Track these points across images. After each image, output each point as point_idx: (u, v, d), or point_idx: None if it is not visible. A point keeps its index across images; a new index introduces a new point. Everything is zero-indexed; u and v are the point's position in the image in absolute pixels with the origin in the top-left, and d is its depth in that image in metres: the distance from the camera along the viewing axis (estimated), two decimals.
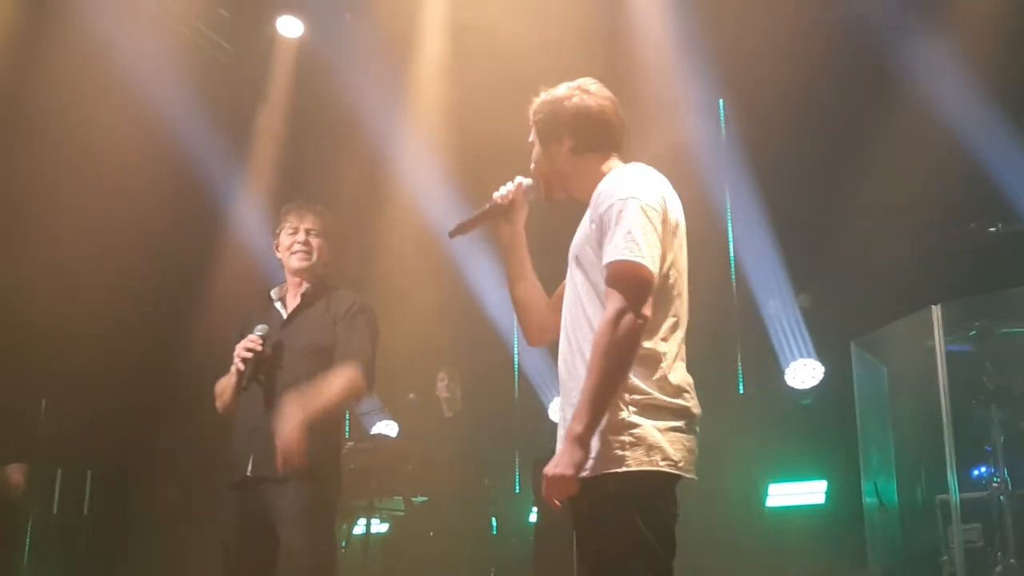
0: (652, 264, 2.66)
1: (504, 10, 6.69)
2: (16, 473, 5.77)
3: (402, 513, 7.33)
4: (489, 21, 6.79)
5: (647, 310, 2.65)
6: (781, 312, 7.43)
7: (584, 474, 2.63)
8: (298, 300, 3.96)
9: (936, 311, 5.82)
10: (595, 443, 2.65)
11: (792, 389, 7.36)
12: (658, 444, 2.65)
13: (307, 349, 3.83)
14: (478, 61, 7.13)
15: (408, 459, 7.15)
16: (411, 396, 7.77)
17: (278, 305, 3.99)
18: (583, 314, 2.79)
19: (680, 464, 2.68)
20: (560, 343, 2.90)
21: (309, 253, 3.95)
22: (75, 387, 7.09)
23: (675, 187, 2.87)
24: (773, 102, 6.72)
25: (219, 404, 3.91)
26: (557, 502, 2.64)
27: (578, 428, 2.61)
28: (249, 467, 3.69)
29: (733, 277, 7.63)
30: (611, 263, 2.68)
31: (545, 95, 2.99)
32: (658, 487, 2.66)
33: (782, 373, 7.39)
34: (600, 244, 2.74)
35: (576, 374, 2.78)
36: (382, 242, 8.13)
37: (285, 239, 3.98)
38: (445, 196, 7.78)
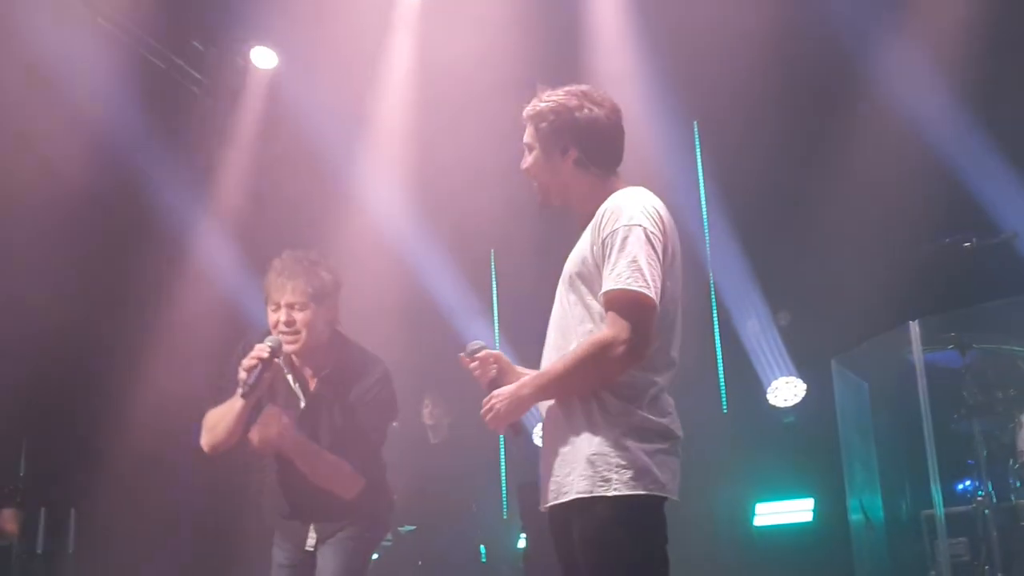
0: (655, 294, 2.65)
1: (467, 50, 6.70)
2: (9, 521, 5.71)
3: (390, 543, 7.30)
4: (454, 60, 6.84)
5: (647, 341, 2.64)
6: (760, 331, 7.48)
7: (576, 496, 2.66)
8: (313, 385, 3.67)
9: (914, 326, 5.86)
10: (585, 466, 2.66)
11: (775, 408, 7.38)
12: (647, 467, 2.65)
13: (329, 443, 3.60)
14: (443, 91, 7.20)
15: (393, 490, 7.11)
16: (393, 425, 7.73)
17: (295, 385, 3.69)
18: (573, 335, 2.77)
19: (667, 487, 2.69)
20: (543, 362, 2.89)
21: (297, 334, 3.56)
22: (55, 425, 7.06)
23: None
24: (746, 121, 6.77)
25: (208, 440, 3.55)
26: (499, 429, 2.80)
27: (525, 390, 2.74)
28: (309, 540, 3.66)
29: (713, 298, 7.67)
30: (614, 291, 2.66)
31: (550, 100, 2.90)
32: (648, 510, 2.67)
33: (764, 392, 7.42)
34: (598, 267, 2.72)
35: (557, 404, 2.80)
36: (353, 272, 8.12)
37: (271, 316, 3.59)
38: (412, 222, 7.81)
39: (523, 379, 2.81)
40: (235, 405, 3.47)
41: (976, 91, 6.28)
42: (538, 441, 7.84)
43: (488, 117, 6.27)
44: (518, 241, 7.53)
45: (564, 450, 2.74)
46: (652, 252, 2.68)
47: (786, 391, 7.39)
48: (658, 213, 2.77)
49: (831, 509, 6.79)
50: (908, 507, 6.43)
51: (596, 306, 2.73)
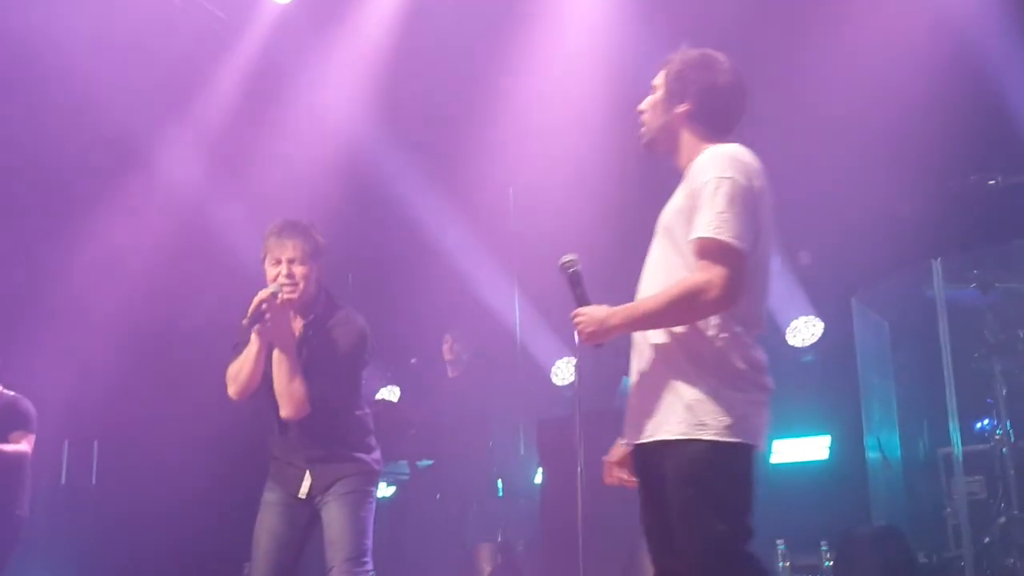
0: (743, 245, 2.74)
1: None
2: (25, 441, 5.84)
3: (407, 477, 7.37)
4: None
5: (737, 289, 2.74)
6: (779, 270, 7.41)
7: (672, 437, 2.78)
8: (299, 331, 4.07)
9: (936, 264, 5.82)
10: (684, 410, 2.78)
11: (794, 347, 7.35)
12: (743, 416, 2.77)
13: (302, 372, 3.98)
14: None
15: (411, 423, 7.19)
16: (413, 361, 7.79)
17: None
18: (667, 282, 2.85)
19: (759, 437, 2.82)
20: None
21: (296, 285, 4.00)
22: (80, 360, 7.13)
23: None
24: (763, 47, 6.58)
25: (234, 388, 3.98)
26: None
27: (615, 320, 2.86)
28: (305, 488, 4.00)
29: None
30: (704, 239, 2.75)
31: (687, 53, 3.05)
32: (739, 457, 2.79)
33: (782, 331, 7.39)
34: (690, 218, 2.82)
35: (653, 337, 2.90)
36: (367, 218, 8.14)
37: (270, 270, 4.03)
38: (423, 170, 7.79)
39: (614, 309, 2.89)
40: (251, 349, 3.93)
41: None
42: (556, 381, 7.93)
43: None
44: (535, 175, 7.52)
45: (661, 393, 2.84)
46: (742, 204, 2.77)
47: (804, 330, 7.35)
48: (750, 168, 2.85)
49: (848, 447, 6.79)
50: (925, 445, 6.43)
51: (689, 258, 2.82)
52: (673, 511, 2.78)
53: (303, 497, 4.00)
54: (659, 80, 3.07)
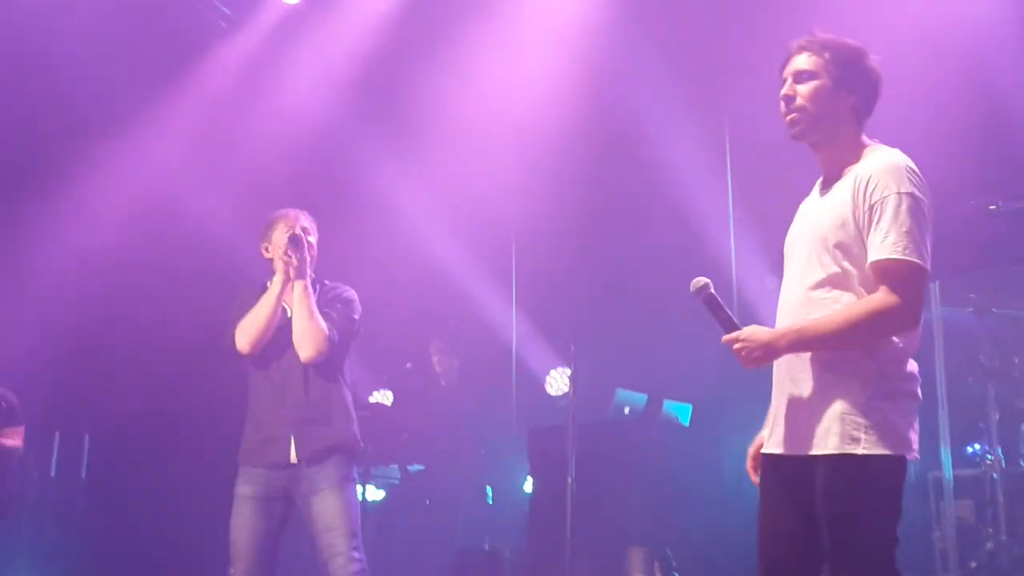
0: (928, 265, 2.71)
1: None
2: (15, 436, 5.83)
3: (398, 482, 7.36)
4: None
5: (920, 309, 2.72)
6: (774, 287, 7.38)
7: (823, 452, 2.73)
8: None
9: (934, 287, 5.82)
10: (837, 423, 2.72)
11: None
12: (895, 429, 2.73)
13: None
14: None
15: (403, 428, 7.19)
16: (408, 365, 7.79)
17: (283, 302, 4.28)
18: (827, 298, 2.78)
19: (912, 448, 2.77)
20: (783, 312, 2.92)
21: (311, 246, 4.27)
22: (73, 351, 7.12)
23: None
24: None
25: (246, 339, 4.14)
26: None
27: (782, 343, 2.75)
28: (292, 452, 4.10)
29: (733, 248, 7.58)
30: (890, 260, 2.68)
31: (832, 37, 2.88)
32: (891, 470, 2.74)
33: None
34: (861, 232, 2.74)
35: (811, 358, 2.80)
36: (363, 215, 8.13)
37: (282, 238, 4.25)
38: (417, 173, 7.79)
39: (780, 331, 2.80)
40: (272, 292, 4.17)
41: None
42: (551, 391, 7.92)
43: None
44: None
45: (814, 404, 2.78)
46: (923, 220, 2.72)
47: None
48: (920, 178, 2.79)
49: None
50: (916, 467, 6.42)
51: (854, 271, 2.76)
52: (825, 524, 2.75)
53: (294, 462, 4.09)
54: (810, 64, 2.86)
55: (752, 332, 2.79)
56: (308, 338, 4.11)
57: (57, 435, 7.50)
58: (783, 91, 2.90)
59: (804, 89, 2.86)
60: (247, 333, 4.14)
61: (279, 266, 4.19)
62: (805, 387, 2.80)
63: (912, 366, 2.81)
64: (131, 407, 7.22)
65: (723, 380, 6.88)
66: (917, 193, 2.72)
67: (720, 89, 6.88)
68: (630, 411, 6.43)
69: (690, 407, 6.56)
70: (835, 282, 2.77)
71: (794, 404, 2.83)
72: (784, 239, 3.03)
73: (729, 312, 2.85)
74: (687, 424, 6.53)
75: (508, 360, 8.26)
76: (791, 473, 2.84)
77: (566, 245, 7.85)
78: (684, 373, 6.90)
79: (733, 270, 7.32)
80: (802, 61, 2.87)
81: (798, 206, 3.07)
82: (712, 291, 2.84)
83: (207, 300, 6.79)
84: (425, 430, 7.26)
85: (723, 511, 6.62)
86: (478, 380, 7.65)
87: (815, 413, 2.76)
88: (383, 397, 8.11)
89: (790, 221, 3.05)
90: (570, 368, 5.51)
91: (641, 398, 6.49)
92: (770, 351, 2.78)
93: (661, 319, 6.98)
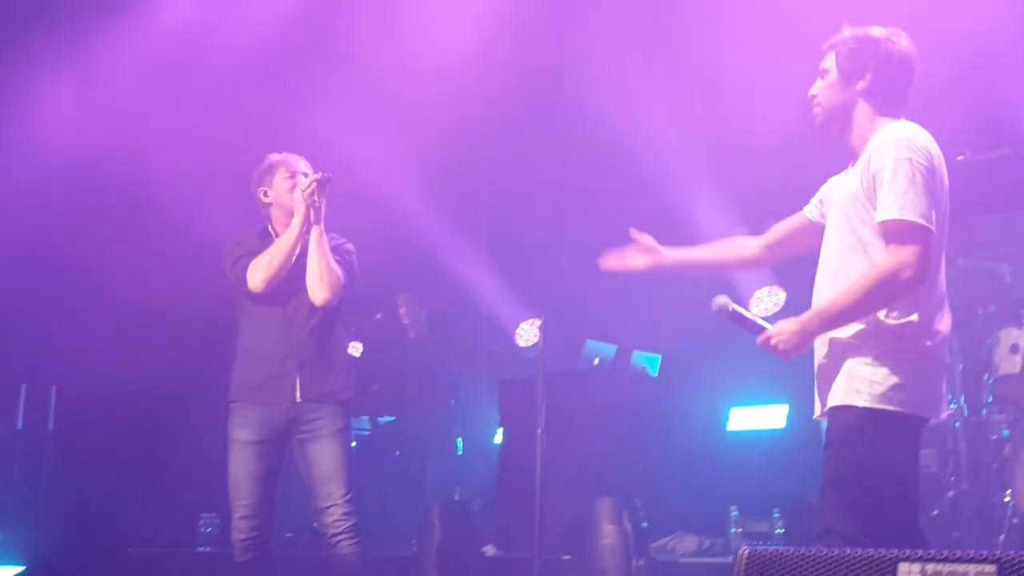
0: (929, 223, 2.81)
1: None
2: None
3: (368, 432, 7.38)
4: None
5: (928, 265, 2.81)
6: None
7: (832, 404, 2.92)
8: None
9: None
10: (843, 377, 2.91)
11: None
12: (901, 385, 2.85)
13: None
14: None
15: (374, 379, 7.19)
16: (378, 316, 7.78)
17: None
18: (845, 263, 2.96)
19: (920, 407, 2.88)
20: (820, 287, 3.09)
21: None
22: (36, 302, 7.05)
23: None
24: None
25: (262, 276, 4.12)
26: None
27: (813, 325, 2.93)
28: (297, 391, 4.11)
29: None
30: (890, 221, 2.83)
31: (857, 30, 3.07)
32: (893, 426, 2.85)
33: (745, 300, 7.42)
34: (869, 200, 2.89)
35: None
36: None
37: (283, 183, 4.28)
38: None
39: (807, 317, 2.97)
40: (293, 230, 4.16)
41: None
42: (521, 343, 7.93)
43: None
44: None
45: (833, 367, 2.98)
46: (923, 183, 2.84)
47: (767, 300, 7.38)
48: (927, 147, 2.92)
49: (805, 416, 6.84)
50: None
51: (867, 236, 2.92)
52: (828, 472, 2.90)
53: (299, 401, 4.11)
54: (829, 63, 3.10)
55: (782, 326, 2.97)
56: (324, 281, 4.14)
57: (23, 387, 7.44)
58: (809, 90, 3.15)
59: (819, 86, 3.12)
60: (264, 271, 4.13)
61: (300, 208, 4.17)
62: (826, 353, 3.01)
63: (934, 324, 2.91)
64: (97, 359, 7.17)
65: (692, 332, 6.96)
66: (914, 158, 2.86)
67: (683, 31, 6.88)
68: (599, 362, 6.46)
69: (659, 358, 6.61)
70: (856, 250, 2.95)
71: (820, 371, 3.05)
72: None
73: (753, 317, 3.07)
74: (656, 375, 6.57)
75: (478, 312, 8.27)
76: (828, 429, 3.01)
77: (536, 195, 7.82)
78: (653, 324, 6.94)
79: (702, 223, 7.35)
80: (824, 60, 3.12)
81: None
82: (733, 307, 3.05)
83: (176, 248, 6.75)
84: (395, 381, 7.27)
85: (691, 461, 6.72)
86: (448, 332, 7.65)
87: (833, 375, 2.96)
88: (353, 349, 8.09)
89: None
90: (540, 319, 5.51)
91: (610, 349, 6.53)
92: (805, 335, 2.95)
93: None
